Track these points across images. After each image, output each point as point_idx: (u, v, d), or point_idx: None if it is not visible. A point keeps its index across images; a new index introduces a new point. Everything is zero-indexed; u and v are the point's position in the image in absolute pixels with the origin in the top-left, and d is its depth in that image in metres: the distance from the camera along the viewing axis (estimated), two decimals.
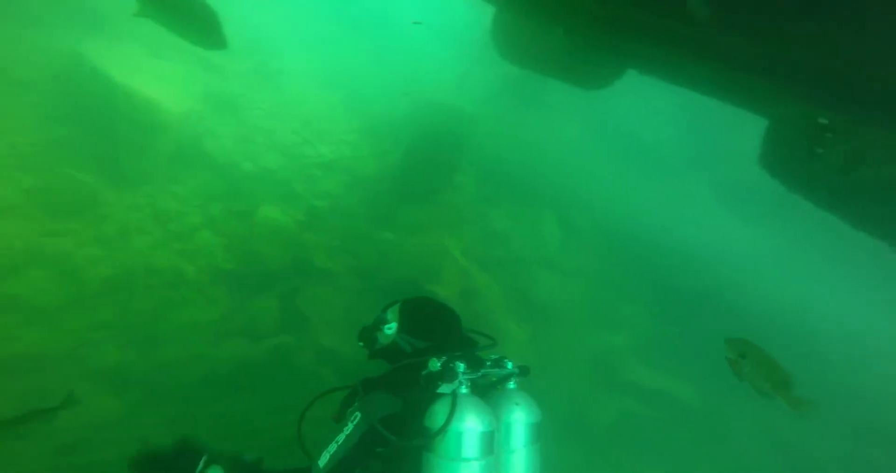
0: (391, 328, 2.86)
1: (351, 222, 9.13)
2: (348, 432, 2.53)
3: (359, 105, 11.64)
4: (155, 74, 8.98)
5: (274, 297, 7.57)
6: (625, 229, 12.64)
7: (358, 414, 2.55)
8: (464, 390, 2.56)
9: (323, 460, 2.49)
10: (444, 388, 2.56)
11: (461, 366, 2.60)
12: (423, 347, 2.80)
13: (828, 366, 10.94)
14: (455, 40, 14.31)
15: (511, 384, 2.84)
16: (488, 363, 2.83)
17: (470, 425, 2.46)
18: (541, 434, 2.78)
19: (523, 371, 2.92)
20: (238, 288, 7.60)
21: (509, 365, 2.87)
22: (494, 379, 2.85)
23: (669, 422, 9.03)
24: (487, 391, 2.78)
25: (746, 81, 4.65)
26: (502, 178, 11.77)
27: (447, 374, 2.58)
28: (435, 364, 2.63)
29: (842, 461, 9.23)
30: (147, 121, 8.47)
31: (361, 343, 2.97)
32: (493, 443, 2.53)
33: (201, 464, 2.52)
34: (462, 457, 2.45)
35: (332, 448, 2.52)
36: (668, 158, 16.05)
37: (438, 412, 2.48)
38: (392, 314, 2.92)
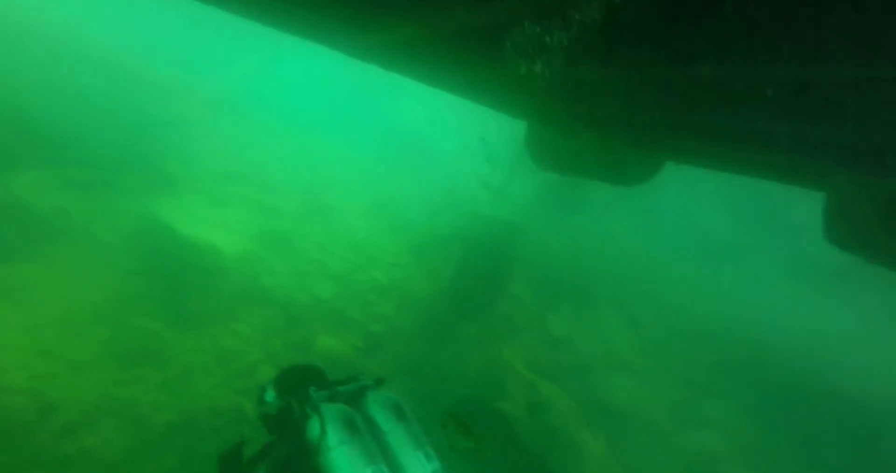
0: (270, 395, 3.51)
1: (409, 345, 9.04)
2: None
3: (406, 228, 12.05)
4: (215, 221, 9.68)
5: None
6: (695, 321, 12.02)
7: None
8: (320, 402, 3.29)
9: None
10: (308, 408, 3.26)
11: (312, 389, 3.38)
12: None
13: None
14: (493, 155, 14.99)
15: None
16: (339, 388, 3.58)
17: (330, 419, 3.16)
18: (405, 414, 3.47)
19: (378, 383, 3.74)
20: None
21: (360, 378, 3.69)
22: (353, 393, 3.57)
23: None
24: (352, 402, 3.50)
25: (792, 161, 4.56)
26: (557, 283, 11.62)
27: (302, 398, 3.36)
28: (270, 394, 3.51)
29: None
30: (209, 266, 8.98)
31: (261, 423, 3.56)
32: (355, 427, 3.21)
33: None
34: (333, 445, 3.09)
35: None
36: (727, 241, 15.59)
37: (307, 424, 3.18)
38: (268, 385, 3.59)
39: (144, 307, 7.93)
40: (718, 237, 15.66)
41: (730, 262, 14.56)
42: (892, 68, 2.44)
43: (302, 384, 3.48)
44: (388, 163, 15.29)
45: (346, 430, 3.18)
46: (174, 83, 17.79)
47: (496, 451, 7.37)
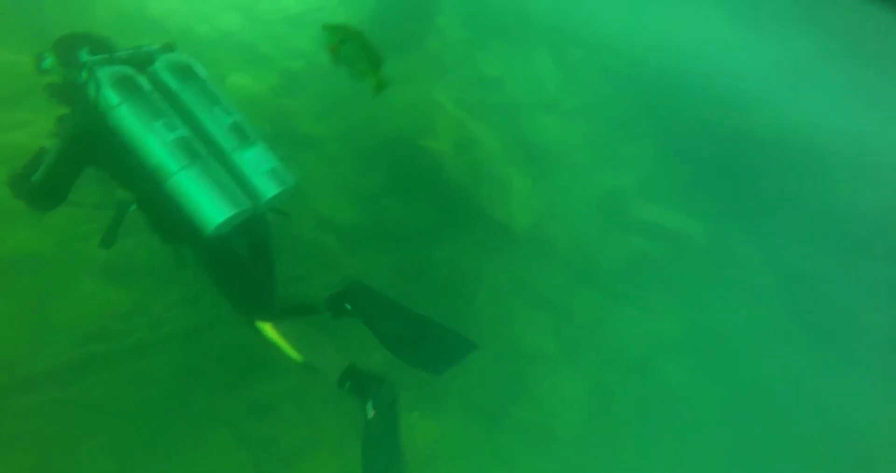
0: (49, 62, 3.35)
1: (330, 82, 8.37)
2: (53, 151, 3.13)
3: None
4: None
5: None
6: (625, 61, 11.73)
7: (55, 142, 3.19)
8: (96, 65, 3.12)
9: (37, 175, 3.08)
10: (83, 72, 3.14)
11: (83, 52, 3.18)
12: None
13: (836, 185, 10.66)
14: None
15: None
16: (119, 52, 3.44)
17: (105, 79, 3.03)
18: (196, 74, 3.53)
19: (167, 47, 3.68)
20: None
21: (145, 45, 3.61)
22: (137, 58, 3.44)
23: (678, 258, 8.96)
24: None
25: None
26: (488, 18, 10.67)
27: (75, 64, 3.18)
28: (48, 61, 3.33)
29: (842, 279, 9.24)
30: None
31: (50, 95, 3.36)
32: (135, 86, 3.11)
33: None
34: (114, 102, 3.02)
35: (42, 165, 3.11)
36: None
37: (85, 87, 3.08)
38: (45, 52, 3.39)
39: None
40: None
41: None
42: None
43: (81, 49, 3.25)
44: None
45: (125, 89, 3.07)
46: None
47: (423, 187, 7.51)
